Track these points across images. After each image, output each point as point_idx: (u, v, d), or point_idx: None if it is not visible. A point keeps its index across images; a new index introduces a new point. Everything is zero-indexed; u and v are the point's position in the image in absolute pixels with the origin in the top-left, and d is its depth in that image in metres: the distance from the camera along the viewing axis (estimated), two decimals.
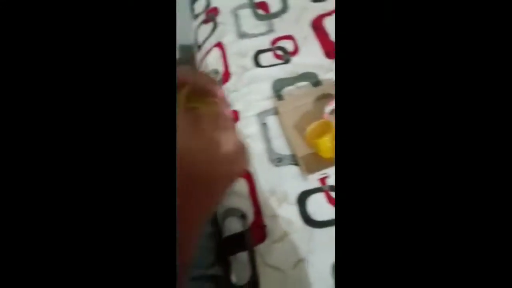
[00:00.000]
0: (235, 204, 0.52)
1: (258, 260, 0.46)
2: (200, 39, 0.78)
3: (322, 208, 0.48)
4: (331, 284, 0.42)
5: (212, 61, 0.72)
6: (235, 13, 0.76)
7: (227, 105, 0.28)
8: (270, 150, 0.56)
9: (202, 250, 0.48)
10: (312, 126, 0.53)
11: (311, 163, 0.50)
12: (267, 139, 0.57)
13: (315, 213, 0.48)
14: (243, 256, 0.48)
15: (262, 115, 0.60)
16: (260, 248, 0.47)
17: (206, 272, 0.46)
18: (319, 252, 0.45)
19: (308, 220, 0.48)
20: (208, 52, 0.73)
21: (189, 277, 0.43)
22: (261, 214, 0.50)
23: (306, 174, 0.49)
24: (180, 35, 0.56)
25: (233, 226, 0.51)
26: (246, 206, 0.51)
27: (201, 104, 0.27)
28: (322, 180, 0.51)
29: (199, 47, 0.78)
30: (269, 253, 0.46)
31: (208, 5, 0.81)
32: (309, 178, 0.50)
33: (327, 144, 0.49)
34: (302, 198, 0.50)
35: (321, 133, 0.50)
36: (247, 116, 0.61)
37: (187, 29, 0.88)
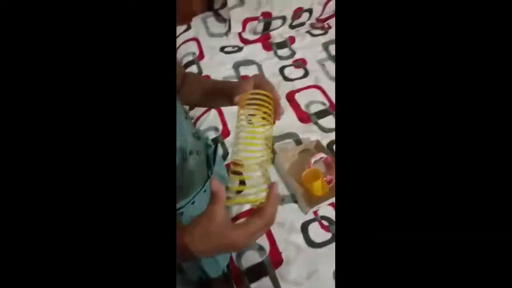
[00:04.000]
0: None
1: (280, 280, 0.59)
2: None
3: (318, 233, 0.66)
4: (333, 285, 0.59)
5: (211, 119, 0.87)
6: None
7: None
8: None
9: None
10: (305, 173, 0.72)
11: (308, 201, 0.69)
12: None
13: (314, 237, 0.65)
14: (266, 280, 0.60)
15: None
16: (280, 270, 0.61)
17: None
18: (323, 264, 0.61)
19: (311, 243, 0.65)
20: (206, 112, 0.88)
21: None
22: (275, 244, 0.64)
23: (306, 209, 0.67)
24: None
25: (253, 258, 0.63)
26: (262, 239, 0.65)
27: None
28: (315, 212, 0.69)
29: None
30: (287, 273, 0.60)
31: (200, 72, 0.98)
32: (307, 212, 0.68)
33: (319, 186, 0.69)
34: (304, 228, 0.67)
35: (312, 178, 0.70)
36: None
37: None
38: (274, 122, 0.41)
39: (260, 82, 0.42)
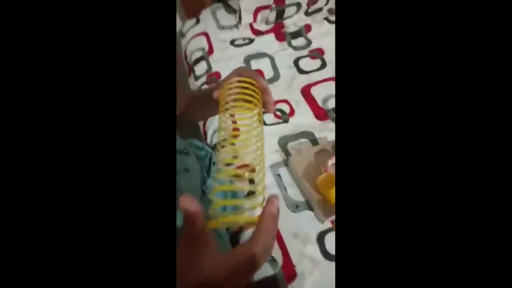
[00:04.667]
0: None
1: None
2: None
3: None
4: None
5: None
6: None
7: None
8: (287, 197, 0.67)
9: None
10: (321, 178, 0.66)
11: (324, 209, 0.63)
12: (283, 188, 0.68)
13: (331, 249, 0.60)
14: None
15: (274, 167, 0.72)
16: (293, 285, 0.56)
17: None
18: None
19: (327, 255, 0.59)
20: None
21: None
22: (289, 256, 0.59)
23: (323, 219, 0.62)
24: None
25: (264, 269, 0.59)
26: (274, 250, 0.60)
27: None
28: (332, 221, 0.63)
29: None
30: None
31: (209, 69, 0.93)
32: (324, 222, 0.62)
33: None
34: (321, 238, 0.61)
35: (329, 184, 0.64)
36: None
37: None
38: (262, 113, 0.36)
39: (243, 73, 0.38)
